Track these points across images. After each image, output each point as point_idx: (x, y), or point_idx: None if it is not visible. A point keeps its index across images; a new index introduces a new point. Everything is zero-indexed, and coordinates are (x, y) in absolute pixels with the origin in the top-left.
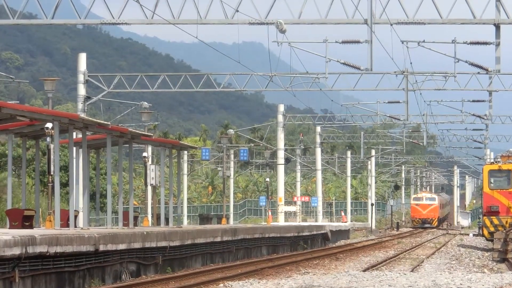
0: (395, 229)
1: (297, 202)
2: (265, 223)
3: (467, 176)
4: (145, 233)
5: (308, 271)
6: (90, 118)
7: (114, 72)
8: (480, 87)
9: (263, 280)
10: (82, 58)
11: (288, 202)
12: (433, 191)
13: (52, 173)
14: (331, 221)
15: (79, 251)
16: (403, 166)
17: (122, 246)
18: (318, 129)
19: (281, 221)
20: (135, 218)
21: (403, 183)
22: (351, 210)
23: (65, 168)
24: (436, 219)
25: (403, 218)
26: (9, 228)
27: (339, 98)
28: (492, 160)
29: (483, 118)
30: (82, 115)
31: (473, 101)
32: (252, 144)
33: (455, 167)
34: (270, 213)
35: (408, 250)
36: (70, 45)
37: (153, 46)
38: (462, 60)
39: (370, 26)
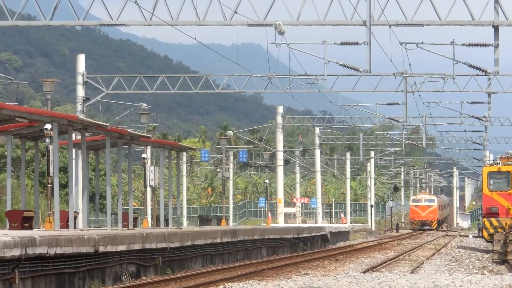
0: (395, 231)
1: (296, 204)
2: (265, 225)
3: (466, 178)
4: (144, 234)
5: (308, 272)
6: (89, 120)
7: (113, 74)
8: (479, 89)
9: (263, 282)
10: (81, 59)
11: (288, 204)
12: (432, 192)
13: (51, 174)
14: (330, 223)
15: (79, 252)
16: (402, 168)
17: (121, 248)
18: (317, 130)
19: (281, 223)
20: (135, 219)
21: (403, 185)
22: (350, 211)
23: (64, 169)
24: (435, 221)
25: (402, 220)
26: (9, 229)
27: (338, 99)
28: (491, 162)
29: (482, 120)
30: (81, 116)
31: (472, 102)
32: (251, 146)
33: (455, 169)
34: (269, 214)
35: (408, 251)
36: (69, 47)
37: (152, 47)
38: (461, 62)
39: (368, 27)
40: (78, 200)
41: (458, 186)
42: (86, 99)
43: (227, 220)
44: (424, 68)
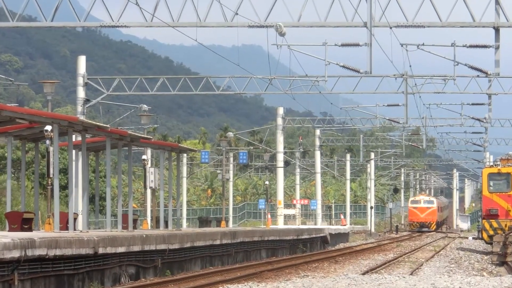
0: (394, 232)
1: (296, 205)
2: (264, 226)
3: (466, 179)
4: (144, 236)
5: (307, 274)
6: (90, 121)
7: (113, 75)
8: (480, 90)
9: (262, 283)
10: (82, 60)
11: (288, 205)
12: (432, 194)
13: (51, 175)
14: (330, 224)
15: (78, 254)
16: (403, 169)
17: (121, 249)
18: (318, 132)
19: (281, 224)
20: (135, 221)
21: (403, 186)
22: (350, 213)
23: (64, 171)
24: (434, 223)
25: (402, 221)
26: (8, 231)
27: (338, 101)
28: (491, 163)
29: (483, 121)
30: (82, 117)
31: (473, 104)
32: (252, 147)
33: (455, 170)
34: (269, 216)
35: (407, 253)
36: (69, 48)
37: (153, 48)
38: (462, 63)
39: (369, 29)
40: (78, 202)
41: (458, 188)
42: (86, 101)
43: (227, 221)
44: (424, 69)
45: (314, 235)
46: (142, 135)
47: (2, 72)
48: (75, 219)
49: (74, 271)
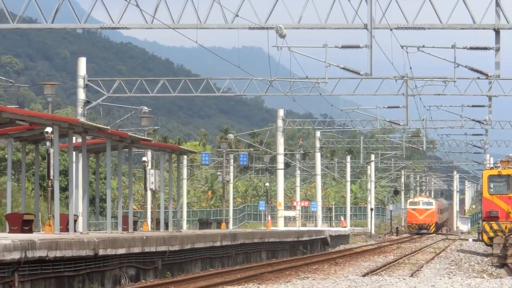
0: (395, 234)
1: (296, 207)
2: (265, 228)
3: (466, 181)
4: (144, 237)
5: (307, 276)
6: (90, 123)
7: (113, 77)
8: (480, 92)
9: (263, 285)
10: (82, 62)
11: (288, 207)
12: (432, 196)
13: (51, 177)
14: (330, 226)
15: (78, 256)
16: (403, 171)
17: (121, 251)
18: (318, 134)
19: (281, 226)
20: (135, 222)
21: (403, 188)
22: (350, 215)
23: (64, 173)
24: (433, 225)
25: (402, 223)
26: (9, 233)
27: (338, 103)
28: (491, 165)
29: (483, 123)
30: (82, 119)
31: (473, 106)
32: (252, 149)
33: (455, 172)
34: (269, 217)
35: (407, 255)
36: (69, 50)
37: (153, 50)
38: (462, 65)
39: (370, 31)
40: (78, 203)
41: (458, 190)
42: (87, 102)
43: (227, 223)
44: (425, 71)
45: (314, 237)
46: (143, 137)
47: (2, 74)
48: (75, 220)
49: (75, 272)
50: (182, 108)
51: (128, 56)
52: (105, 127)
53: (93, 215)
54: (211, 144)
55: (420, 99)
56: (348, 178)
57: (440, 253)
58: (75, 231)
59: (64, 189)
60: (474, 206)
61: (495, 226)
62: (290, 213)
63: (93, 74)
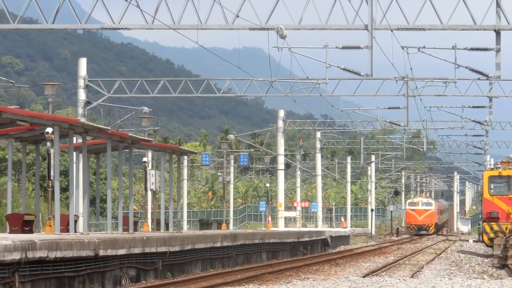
0: (395, 235)
1: (297, 208)
2: (265, 229)
3: (467, 182)
4: (145, 238)
5: (308, 276)
6: (90, 123)
7: (114, 77)
8: (480, 93)
9: (263, 286)
10: (82, 63)
11: (288, 208)
12: (433, 197)
13: (52, 177)
14: (331, 227)
15: (79, 256)
16: (403, 172)
17: (122, 251)
18: (318, 134)
19: (281, 227)
20: (135, 223)
21: (403, 189)
22: (351, 215)
23: (65, 173)
24: (433, 226)
25: (403, 224)
26: (9, 233)
27: (339, 103)
28: (492, 166)
29: (483, 124)
30: (82, 120)
31: (473, 107)
32: (252, 150)
33: (455, 173)
34: (270, 218)
35: (408, 256)
36: (70, 50)
37: (154, 51)
38: (463, 66)
39: (370, 31)
40: (79, 204)
41: (458, 191)
42: (87, 103)
43: (228, 224)
44: (425, 72)
45: (314, 238)
46: (143, 138)
47: (3, 74)
48: (75, 221)
49: (75, 273)
50: (183, 108)
51: (128, 56)
52: (105, 127)
53: (93, 216)
54: (212, 144)
55: (421, 100)
56: (349, 178)
57: (440, 254)
58: (75, 231)
59: (65, 189)
60: (474, 207)
61: (495, 227)
62: (291, 214)
63: (94, 74)
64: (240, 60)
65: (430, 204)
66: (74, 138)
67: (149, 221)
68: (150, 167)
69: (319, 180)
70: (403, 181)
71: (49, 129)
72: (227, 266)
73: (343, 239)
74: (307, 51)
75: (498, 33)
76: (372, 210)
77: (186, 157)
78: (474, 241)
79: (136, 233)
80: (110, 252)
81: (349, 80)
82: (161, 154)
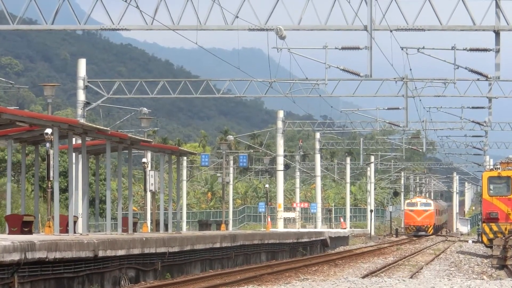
0: (394, 236)
1: (296, 208)
2: (264, 229)
3: (466, 183)
4: (144, 239)
5: (307, 277)
6: (90, 124)
7: (113, 78)
8: (480, 94)
9: (262, 287)
10: (82, 63)
11: (287, 208)
12: (432, 197)
13: (51, 178)
14: (330, 228)
15: (78, 257)
16: (403, 173)
17: (121, 252)
18: (318, 135)
19: (280, 227)
20: (134, 224)
21: (402, 190)
22: (350, 216)
23: (64, 174)
24: (431, 226)
25: (402, 225)
26: (8, 234)
27: (338, 104)
28: (491, 167)
29: (483, 125)
30: (82, 120)
31: (473, 107)
32: (252, 150)
33: (455, 174)
34: (269, 219)
35: (407, 256)
36: (69, 51)
37: (153, 52)
38: (462, 67)
39: (370, 32)
40: (78, 205)
41: (458, 191)
42: (86, 104)
43: (227, 224)
44: (424, 72)
45: (314, 238)
46: (142, 138)
47: (2, 75)
48: (75, 222)
49: (74, 274)
50: (182, 109)
51: (128, 57)
52: (105, 128)
53: (92, 217)
54: (211, 145)
55: (420, 100)
56: (348, 179)
57: (439, 254)
58: (74, 232)
59: (64, 190)
60: (473, 208)
61: (494, 228)
62: (290, 215)
63: (93, 75)
64: (239, 60)
65: (429, 204)
66: (74, 139)
67: (149, 222)
68: (149, 168)
69: (318, 180)
70: (402, 181)
71: (49, 130)
72: (227, 266)
73: (342, 239)
74: (307, 51)
75: (497, 33)
76: (371, 211)
77: (185, 158)
78: (473, 241)
79: (136, 234)
80: (109, 253)
81: (349, 80)
82: (161, 155)
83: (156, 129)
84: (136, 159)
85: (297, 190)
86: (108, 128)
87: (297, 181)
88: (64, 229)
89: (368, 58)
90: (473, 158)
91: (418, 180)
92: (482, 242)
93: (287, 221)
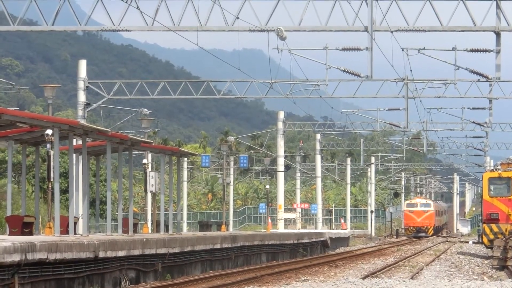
0: (395, 236)
1: (296, 209)
2: (265, 230)
3: (467, 184)
4: (144, 240)
5: (307, 278)
6: (90, 125)
7: (114, 79)
8: (480, 95)
9: (262, 287)
10: (82, 64)
11: (288, 209)
12: (432, 198)
13: (52, 179)
14: (330, 228)
15: (78, 258)
16: (403, 174)
17: (121, 253)
18: (318, 136)
19: (281, 228)
20: (135, 225)
21: (403, 191)
22: (350, 217)
23: (65, 175)
24: (431, 227)
25: (402, 226)
26: (9, 235)
27: (339, 105)
28: (492, 168)
29: (483, 126)
30: (82, 121)
31: (473, 108)
32: (252, 151)
33: (455, 175)
34: (269, 220)
35: (407, 257)
36: (70, 52)
37: (153, 53)
38: (462, 68)
39: (370, 33)
40: (78, 206)
41: (458, 192)
42: (87, 105)
43: (227, 225)
44: (425, 73)
45: (314, 239)
46: (143, 139)
47: (3, 76)
48: (75, 223)
49: (75, 275)
50: (183, 110)
51: (128, 58)
52: (105, 129)
53: (93, 217)
54: (212, 146)
55: (421, 101)
56: (348, 180)
57: (440, 255)
58: (75, 233)
59: (64, 191)
60: (474, 209)
61: (495, 229)
62: (290, 216)
63: (94, 76)
64: (240, 61)
65: (429, 205)
66: (74, 140)
67: (149, 222)
68: (150, 169)
69: (319, 181)
70: (402, 182)
71: (49, 131)
72: (227, 267)
73: (342, 240)
74: (307, 52)
75: (498, 34)
76: (371, 211)
77: (186, 158)
78: (473, 242)
79: (136, 235)
80: (109, 253)
81: (349, 81)
82: (161, 156)
83: (156, 130)
84: (136, 160)
85: (298, 191)
86: (109, 129)
87: (298, 182)
88: (65, 230)
89: (369, 59)
90: (474, 159)
91: (418, 181)
92: (482, 243)
93: (288, 222)
